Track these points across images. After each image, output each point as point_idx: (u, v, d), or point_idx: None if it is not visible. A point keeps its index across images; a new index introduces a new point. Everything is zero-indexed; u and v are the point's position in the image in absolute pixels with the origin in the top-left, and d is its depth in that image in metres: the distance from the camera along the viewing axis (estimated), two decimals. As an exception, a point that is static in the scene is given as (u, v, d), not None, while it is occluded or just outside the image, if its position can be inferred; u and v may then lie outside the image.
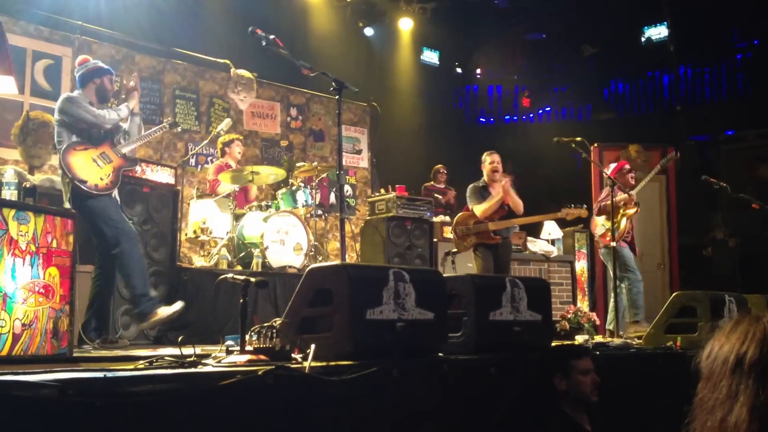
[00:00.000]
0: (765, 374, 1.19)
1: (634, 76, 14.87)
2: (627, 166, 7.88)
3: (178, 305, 5.10)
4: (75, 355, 3.41)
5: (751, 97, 13.28)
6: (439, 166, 10.50)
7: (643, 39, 13.59)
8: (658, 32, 13.39)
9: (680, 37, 13.10)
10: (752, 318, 1.28)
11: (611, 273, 7.42)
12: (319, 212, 7.96)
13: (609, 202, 7.35)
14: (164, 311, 5.01)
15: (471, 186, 7.33)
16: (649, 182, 8.11)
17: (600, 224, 7.61)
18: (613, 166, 7.97)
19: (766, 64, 12.86)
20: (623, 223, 7.44)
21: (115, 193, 5.29)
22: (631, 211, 7.47)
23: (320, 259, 7.53)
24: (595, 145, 10.54)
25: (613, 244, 6.87)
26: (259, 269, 6.77)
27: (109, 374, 2.34)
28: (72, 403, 2.15)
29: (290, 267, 7.02)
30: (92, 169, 5.09)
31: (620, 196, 7.37)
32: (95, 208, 5.03)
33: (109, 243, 5.03)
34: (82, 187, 4.98)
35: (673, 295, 5.86)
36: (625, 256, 7.45)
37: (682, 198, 10.14)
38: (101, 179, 5.09)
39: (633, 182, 7.73)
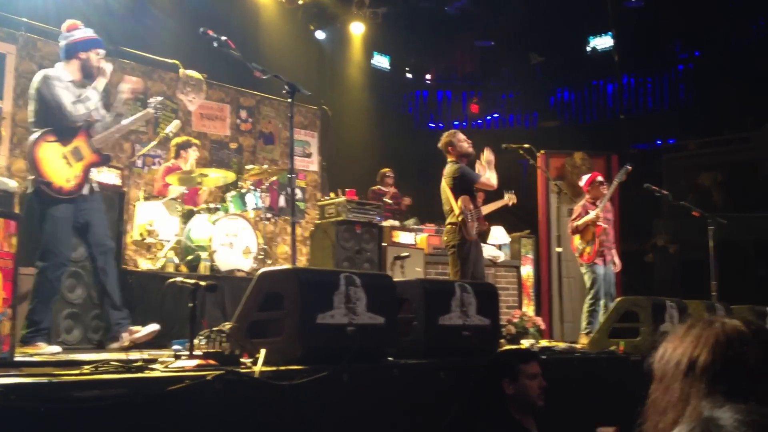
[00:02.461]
0: (716, 378, 1.22)
1: (580, 84, 15.17)
2: (599, 178, 8.00)
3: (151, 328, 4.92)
4: (25, 359, 3.33)
5: (692, 107, 13.65)
6: (386, 169, 10.53)
7: (588, 48, 13.87)
8: (603, 42, 13.69)
9: (624, 48, 13.41)
10: (705, 322, 1.31)
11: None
12: (269, 215, 7.91)
13: (580, 221, 7.57)
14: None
15: (458, 167, 6.69)
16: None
17: (577, 244, 7.80)
18: (585, 178, 8.09)
19: (707, 75, 13.24)
20: (595, 242, 7.61)
21: (92, 188, 4.98)
22: (599, 227, 7.61)
23: (269, 262, 7.48)
24: (542, 152, 10.71)
25: (582, 268, 7.10)
26: (207, 272, 6.69)
27: (55, 379, 2.30)
28: (15, 409, 2.10)
29: (239, 270, 6.96)
30: (60, 167, 4.76)
31: (588, 216, 7.58)
32: (49, 217, 4.74)
33: (39, 254, 4.74)
34: (46, 189, 4.69)
35: (617, 300, 6.00)
36: (598, 275, 7.64)
37: (624, 205, 10.36)
38: (68, 181, 4.77)
39: (605, 192, 7.87)
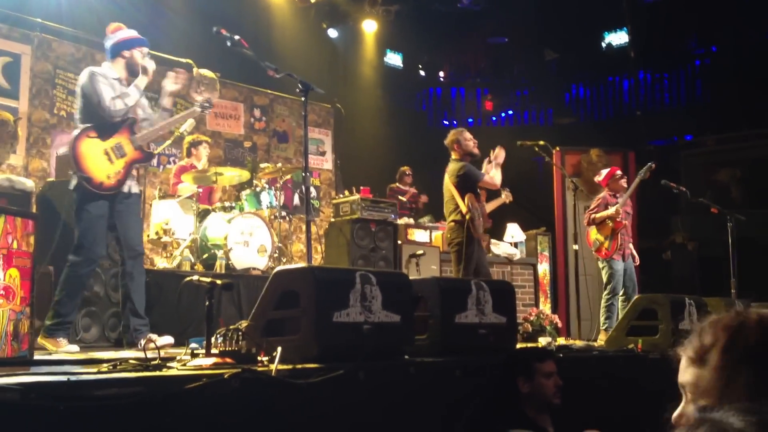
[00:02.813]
0: (759, 361, 1.22)
1: (595, 81, 15.07)
2: (618, 172, 7.97)
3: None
4: (45, 357, 3.35)
5: (709, 102, 13.53)
6: (405, 168, 10.54)
7: (603, 44, 13.77)
8: (618, 38, 13.58)
9: (640, 43, 13.31)
10: (738, 311, 1.31)
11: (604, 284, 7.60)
12: (283, 214, 7.92)
13: (598, 214, 7.51)
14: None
15: (462, 165, 6.72)
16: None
17: (594, 238, 7.71)
18: (604, 172, 8.05)
19: (724, 71, 13.11)
20: (613, 238, 7.55)
21: (131, 187, 4.97)
22: (618, 222, 7.55)
23: (284, 260, 7.49)
24: (557, 148, 10.66)
25: (600, 263, 7.02)
26: (223, 271, 6.71)
27: (73, 378, 2.30)
28: (35, 407, 2.11)
29: (254, 269, 6.97)
30: (102, 163, 4.77)
31: (607, 211, 7.52)
32: (85, 212, 4.74)
33: (74, 247, 4.76)
34: (86, 184, 4.69)
35: (635, 298, 5.95)
36: (616, 270, 7.57)
37: (642, 202, 10.29)
38: (108, 177, 4.78)
39: (625, 186, 7.84)
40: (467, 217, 6.50)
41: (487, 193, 7.29)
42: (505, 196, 7.46)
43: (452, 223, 6.70)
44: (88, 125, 4.82)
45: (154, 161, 9.24)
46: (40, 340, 4.54)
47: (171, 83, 5.23)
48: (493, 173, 6.75)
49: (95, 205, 4.77)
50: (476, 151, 6.86)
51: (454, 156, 6.87)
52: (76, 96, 4.95)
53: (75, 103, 4.93)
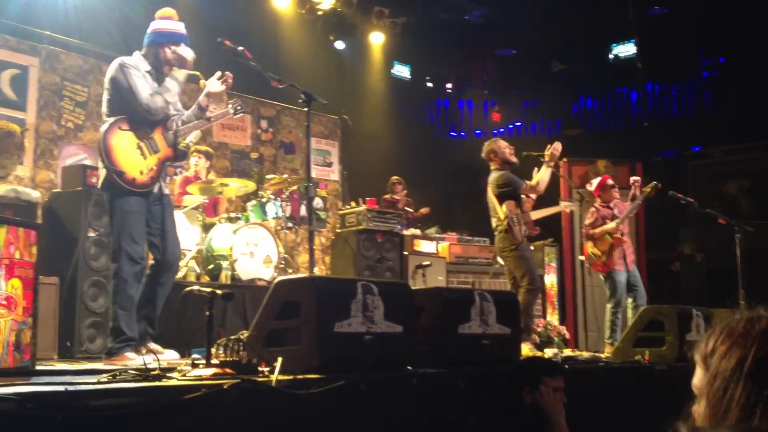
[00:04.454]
0: (755, 374, 1.19)
1: (602, 92, 15.06)
2: (609, 181, 7.92)
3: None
4: (47, 368, 3.34)
5: (717, 114, 13.49)
6: (395, 177, 10.55)
7: (611, 56, 13.76)
8: (625, 49, 13.56)
9: (647, 55, 13.28)
10: (755, 315, 1.28)
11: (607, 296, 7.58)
12: (290, 225, 7.92)
13: (597, 230, 7.46)
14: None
15: (502, 173, 6.63)
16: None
17: (590, 252, 7.66)
18: (595, 182, 7.99)
19: (731, 82, 13.09)
20: (612, 252, 7.49)
21: (162, 188, 4.71)
22: (616, 237, 7.50)
23: (290, 271, 7.49)
24: (564, 160, 10.63)
25: (601, 276, 6.98)
26: (228, 282, 6.71)
27: (71, 388, 2.29)
28: (32, 418, 2.10)
29: (260, 279, 6.97)
30: (134, 157, 4.49)
31: (606, 227, 7.47)
32: (118, 210, 4.46)
33: (112, 253, 4.53)
34: (117, 179, 4.40)
35: (642, 309, 5.92)
36: (618, 281, 7.52)
37: (649, 213, 10.26)
38: (141, 173, 4.49)
39: (618, 196, 7.80)
40: (505, 225, 6.46)
41: (539, 201, 7.22)
42: (564, 206, 7.33)
43: (500, 234, 6.61)
44: (120, 116, 4.53)
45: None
46: (105, 363, 4.26)
47: (217, 84, 4.93)
48: (539, 176, 6.69)
49: (128, 202, 4.46)
50: (514, 158, 6.78)
51: (493, 166, 6.79)
52: (104, 88, 4.68)
53: (103, 96, 4.68)
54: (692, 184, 12.31)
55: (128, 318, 4.40)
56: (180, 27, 4.85)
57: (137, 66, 4.64)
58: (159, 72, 4.75)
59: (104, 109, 4.63)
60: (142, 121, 4.59)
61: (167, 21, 4.83)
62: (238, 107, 5.19)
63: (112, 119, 4.52)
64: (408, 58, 13.91)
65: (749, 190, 12.20)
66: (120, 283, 4.41)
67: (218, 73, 4.96)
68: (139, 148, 4.54)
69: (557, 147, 6.76)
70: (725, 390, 1.22)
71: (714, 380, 1.25)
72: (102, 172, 4.56)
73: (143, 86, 4.56)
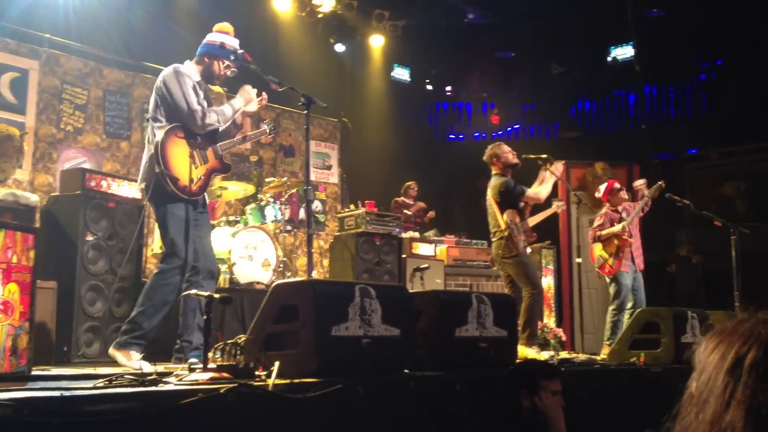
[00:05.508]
0: (765, 376, 1.20)
1: (601, 94, 15.09)
2: (617, 185, 7.91)
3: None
4: (44, 372, 3.35)
5: (714, 116, 13.53)
6: (411, 182, 10.59)
7: (609, 58, 13.80)
8: (623, 52, 13.61)
9: (645, 57, 13.33)
10: (759, 318, 1.30)
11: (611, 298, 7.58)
12: (289, 228, 7.93)
13: (603, 232, 7.46)
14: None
15: (503, 180, 6.60)
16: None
17: (597, 255, 7.66)
18: (603, 188, 7.99)
19: (729, 85, 13.11)
20: (619, 255, 7.50)
21: (205, 197, 4.81)
22: (624, 240, 7.50)
23: (289, 275, 7.50)
24: (563, 162, 10.64)
25: (606, 278, 6.99)
26: (227, 285, 6.72)
27: (67, 393, 2.30)
28: (28, 423, 2.11)
29: (258, 283, 6.98)
30: (187, 166, 4.57)
31: (614, 229, 7.48)
32: (170, 215, 4.52)
33: (164, 254, 4.60)
34: (171, 185, 4.47)
35: (637, 311, 5.94)
36: (623, 284, 7.53)
37: (646, 215, 10.25)
38: (191, 181, 4.57)
39: (626, 198, 7.81)
40: (505, 233, 6.43)
41: (535, 205, 7.20)
42: (557, 206, 7.36)
43: (498, 240, 6.57)
44: (176, 124, 4.61)
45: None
46: (111, 351, 4.34)
47: (255, 104, 5.03)
48: (540, 187, 6.64)
49: (179, 208, 4.56)
50: (516, 161, 6.73)
51: (494, 171, 6.73)
52: (154, 93, 4.71)
53: (151, 99, 4.73)
54: (689, 186, 12.33)
55: (153, 318, 4.44)
56: (236, 43, 4.93)
57: (190, 75, 4.73)
58: (208, 84, 4.89)
59: (153, 113, 4.69)
60: (191, 131, 4.68)
61: (225, 36, 4.91)
62: (272, 127, 5.37)
63: (168, 125, 4.60)
64: (408, 60, 13.95)
65: (746, 192, 12.23)
66: (163, 283, 4.48)
67: (254, 92, 5.04)
68: (191, 156, 4.64)
69: (559, 167, 6.73)
70: (707, 383, 1.25)
71: (700, 375, 1.28)
72: (153, 176, 4.56)
73: (193, 99, 4.64)
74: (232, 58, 4.83)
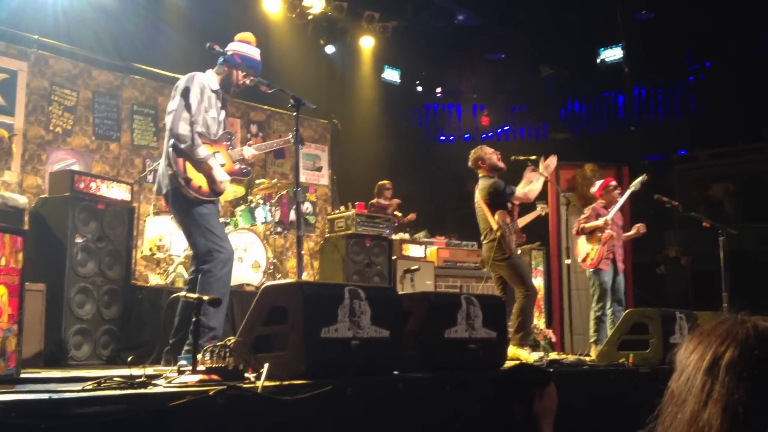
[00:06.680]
0: (741, 375, 1.22)
1: (590, 96, 15.16)
2: (613, 183, 7.91)
3: None
4: (32, 375, 3.34)
5: (703, 118, 13.61)
6: (385, 182, 10.49)
7: (598, 60, 13.86)
8: (613, 54, 13.66)
9: (634, 59, 13.39)
10: (737, 320, 1.32)
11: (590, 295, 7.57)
12: (279, 229, 7.92)
13: (587, 224, 7.47)
14: None
15: (492, 182, 6.55)
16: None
17: (580, 248, 7.68)
18: (598, 183, 8.02)
19: (717, 86, 13.20)
20: (600, 247, 7.51)
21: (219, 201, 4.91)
22: (606, 234, 7.51)
23: (279, 276, 7.50)
24: (555, 156, 10.66)
25: (587, 273, 6.98)
26: (216, 287, 6.70)
27: (55, 396, 2.30)
28: (15, 426, 2.11)
29: (248, 285, 6.97)
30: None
31: (597, 222, 7.50)
32: (195, 215, 4.61)
33: (198, 257, 4.62)
34: (186, 186, 4.56)
35: (626, 312, 5.96)
36: (604, 281, 7.54)
37: (635, 217, 10.32)
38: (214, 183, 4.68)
39: (619, 198, 7.82)
40: (497, 234, 6.40)
41: (521, 207, 7.21)
42: (541, 209, 7.33)
43: (489, 243, 6.54)
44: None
45: (150, 177, 9.24)
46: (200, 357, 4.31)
47: (251, 150, 5.10)
48: (529, 186, 6.60)
49: (205, 206, 4.66)
50: (501, 164, 6.71)
51: (481, 173, 6.72)
52: (173, 96, 4.76)
53: (170, 101, 4.77)
54: (678, 187, 12.42)
55: (217, 317, 4.52)
56: (257, 54, 5.04)
57: (210, 85, 4.82)
58: (226, 92, 4.96)
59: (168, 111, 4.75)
60: (208, 133, 4.77)
61: (248, 46, 5.00)
62: (298, 137, 5.26)
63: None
64: (398, 62, 13.95)
65: (734, 194, 12.32)
66: (214, 281, 4.54)
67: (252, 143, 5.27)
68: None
69: (552, 161, 6.74)
70: (686, 382, 1.27)
71: (680, 375, 1.30)
72: (166, 181, 4.65)
73: (210, 110, 4.76)
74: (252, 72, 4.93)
